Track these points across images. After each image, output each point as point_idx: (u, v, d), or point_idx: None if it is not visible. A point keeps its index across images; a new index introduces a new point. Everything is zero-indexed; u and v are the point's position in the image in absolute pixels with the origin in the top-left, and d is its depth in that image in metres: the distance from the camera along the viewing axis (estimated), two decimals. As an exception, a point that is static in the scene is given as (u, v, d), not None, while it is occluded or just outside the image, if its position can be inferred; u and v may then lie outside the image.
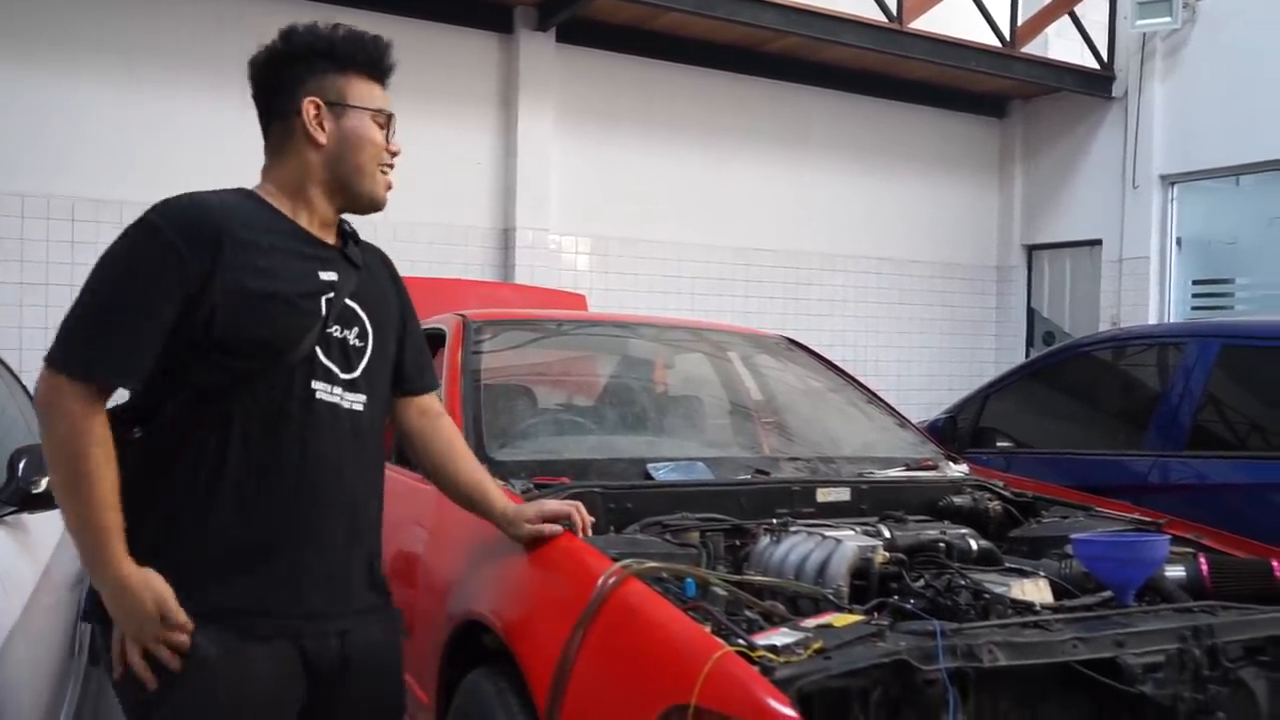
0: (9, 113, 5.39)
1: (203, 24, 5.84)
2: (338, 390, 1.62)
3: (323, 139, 1.63)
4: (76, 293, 1.51)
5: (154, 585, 1.47)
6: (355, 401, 1.65)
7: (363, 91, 1.66)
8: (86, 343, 1.47)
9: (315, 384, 1.59)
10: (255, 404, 1.54)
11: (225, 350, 1.52)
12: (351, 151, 1.64)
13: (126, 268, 1.50)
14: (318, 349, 1.59)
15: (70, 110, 5.52)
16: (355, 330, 1.66)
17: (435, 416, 1.92)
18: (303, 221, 1.65)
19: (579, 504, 2.01)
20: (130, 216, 1.57)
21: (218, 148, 5.75)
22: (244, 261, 1.53)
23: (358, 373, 1.66)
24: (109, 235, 1.57)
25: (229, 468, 1.53)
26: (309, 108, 1.62)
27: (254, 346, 1.53)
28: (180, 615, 1.47)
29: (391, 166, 1.71)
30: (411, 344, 1.85)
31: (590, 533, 1.98)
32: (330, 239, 1.68)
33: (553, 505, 1.96)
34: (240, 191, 1.64)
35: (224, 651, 1.50)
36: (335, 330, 1.62)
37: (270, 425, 1.55)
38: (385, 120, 1.68)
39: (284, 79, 1.64)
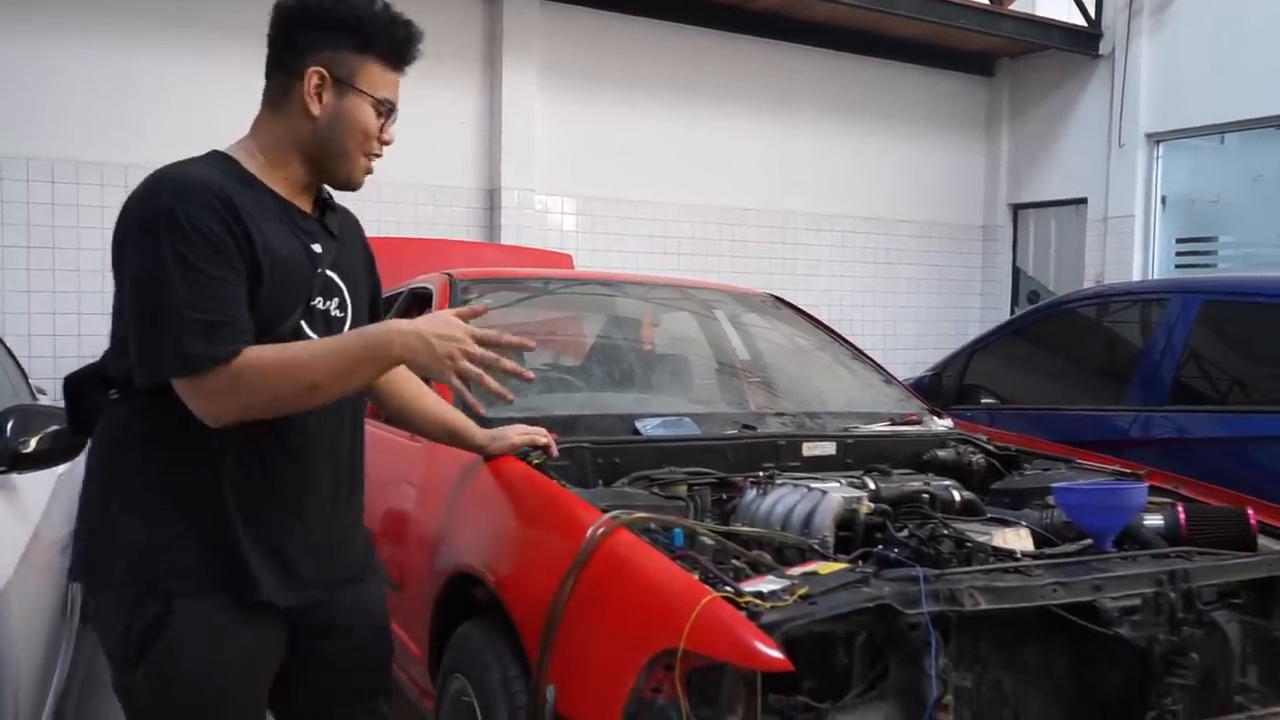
0: (-15, 73, 5.32)
1: (180, -19, 5.75)
2: None
3: (317, 111, 1.58)
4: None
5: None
6: None
7: (374, 77, 1.60)
8: (201, 335, 1.43)
9: None
10: None
11: None
12: (342, 132, 1.60)
13: (177, 257, 1.44)
14: (303, 321, 1.58)
15: (49, 71, 5.44)
16: (335, 301, 1.66)
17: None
18: (279, 188, 1.60)
19: (541, 429, 2.17)
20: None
21: (199, 106, 5.68)
22: (252, 238, 1.50)
23: None
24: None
25: (221, 438, 1.50)
26: (312, 76, 1.57)
27: (259, 314, 1.50)
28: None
29: (379, 155, 1.67)
30: (376, 306, 1.84)
31: (555, 451, 2.15)
32: (307, 206, 1.66)
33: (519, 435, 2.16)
34: (221, 160, 1.58)
35: (210, 620, 1.52)
36: (318, 302, 1.62)
37: None
38: (386, 111, 1.63)
39: (301, 38, 1.58)
